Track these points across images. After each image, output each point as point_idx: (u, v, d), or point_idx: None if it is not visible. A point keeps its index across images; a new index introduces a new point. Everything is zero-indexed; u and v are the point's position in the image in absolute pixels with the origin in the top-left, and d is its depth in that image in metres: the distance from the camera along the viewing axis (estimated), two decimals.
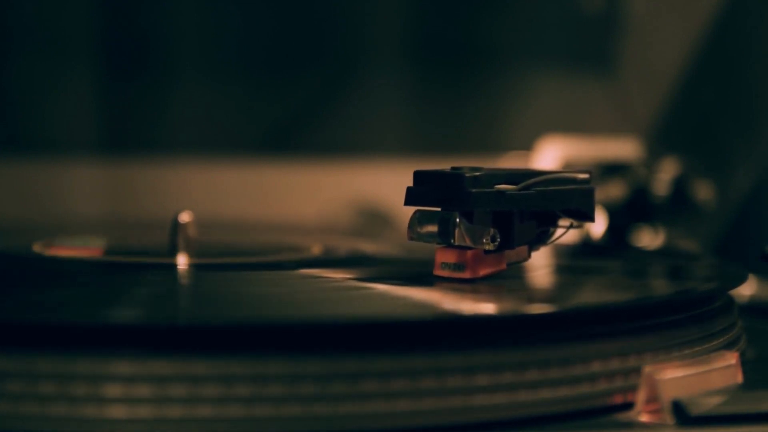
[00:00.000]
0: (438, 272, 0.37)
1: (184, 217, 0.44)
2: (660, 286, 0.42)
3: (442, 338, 0.30)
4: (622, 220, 0.58)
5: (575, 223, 0.39)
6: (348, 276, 0.39)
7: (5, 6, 0.73)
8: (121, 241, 0.53)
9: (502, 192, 0.36)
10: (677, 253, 0.54)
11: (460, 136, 0.78)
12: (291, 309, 0.33)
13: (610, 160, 0.60)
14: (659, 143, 0.63)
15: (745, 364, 0.35)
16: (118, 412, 0.28)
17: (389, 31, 0.77)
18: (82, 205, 0.74)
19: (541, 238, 0.39)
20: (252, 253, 0.48)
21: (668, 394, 0.31)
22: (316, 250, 0.48)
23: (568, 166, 0.60)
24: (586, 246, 0.55)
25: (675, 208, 0.58)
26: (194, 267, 0.42)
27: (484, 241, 0.36)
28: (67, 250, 0.47)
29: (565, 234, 0.39)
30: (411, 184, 0.37)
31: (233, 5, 0.76)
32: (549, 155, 0.63)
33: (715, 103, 0.63)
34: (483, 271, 0.37)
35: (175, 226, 0.44)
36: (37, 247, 0.47)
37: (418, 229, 0.37)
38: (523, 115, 0.78)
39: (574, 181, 0.38)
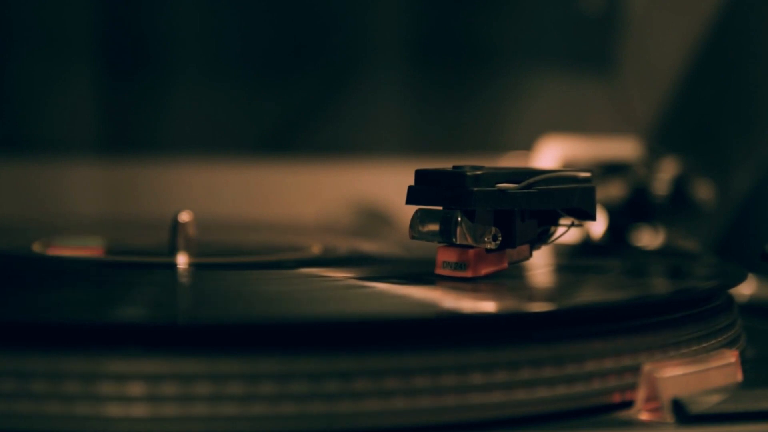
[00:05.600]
0: (439, 271, 0.37)
1: (184, 217, 0.44)
2: (660, 285, 0.42)
3: (441, 336, 0.30)
4: (622, 219, 0.58)
5: (576, 222, 0.39)
6: (349, 275, 0.39)
7: (5, 6, 0.73)
8: (121, 241, 0.53)
9: (503, 191, 0.36)
10: (677, 253, 0.54)
11: (460, 136, 0.78)
12: (290, 307, 0.33)
13: (610, 160, 0.60)
14: (659, 143, 0.63)
15: (745, 363, 0.35)
16: (114, 410, 0.28)
17: (389, 31, 0.78)
18: (82, 205, 0.74)
19: (542, 237, 0.39)
20: (252, 253, 0.48)
21: (668, 393, 0.31)
22: (316, 249, 0.48)
23: (568, 166, 0.60)
24: (587, 245, 0.55)
25: (675, 207, 0.58)
26: (194, 266, 0.42)
27: (486, 239, 0.36)
28: (66, 250, 0.47)
29: (566, 233, 0.39)
30: (411, 183, 0.37)
31: (233, 5, 0.77)
32: (549, 155, 0.63)
33: (714, 103, 0.63)
34: (484, 270, 0.37)
35: (175, 226, 0.44)
36: (36, 247, 0.47)
37: (420, 228, 0.37)
38: (523, 115, 0.78)
39: (576, 179, 0.38)
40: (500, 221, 0.37)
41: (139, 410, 0.28)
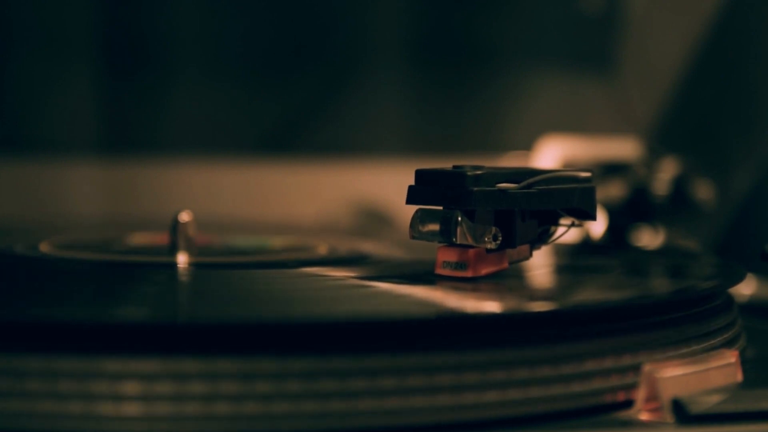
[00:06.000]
0: (439, 271, 0.37)
1: (184, 217, 0.44)
2: (660, 285, 0.42)
3: (441, 336, 0.30)
4: (622, 219, 0.58)
5: (576, 222, 0.39)
6: (349, 275, 0.39)
7: (5, 6, 0.73)
8: (121, 241, 0.53)
9: (503, 191, 0.36)
10: (677, 253, 0.54)
11: (461, 136, 0.78)
12: (290, 307, 0.33)
13: (610, 160, 0.60)
14: (659, 143, 0.63)
15: (744, 363, 0.35)
16: (108, 409, 0.28)
17: (389, 31, 0.78)
18: (82, 205, 0.74)
19: (542, 237, 0.39)
20: (252, 253, 0.48)
21: (668, 393, 0.31)
22: (316, 249, 0.48)
23: (568, 166, 0.60)
24: (587, 245, 0.55)
25: (675, 207, 0.58)
26: (194, 266, 0.42)
27: (486, 239, 0.36)
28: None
29: (566, 233, 0.39)
30: (412, 183, 0.37)
31: (233, 5, 0.77)
32: (549, 155, 0.63)
33: (714, 103, 0.63)
34: (485, 270, 0.37)
35: (175, 226, 0.44)
36: (44, 247, 0.47)
37: (420, 228, 0.37)
38: (523, 115, 0.78)
39: (576, 179, 0.38)
40: (500, 221, 0.37)
41: (137, 410, 0.28)
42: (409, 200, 0.37)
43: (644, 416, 0.31)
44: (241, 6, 0.76)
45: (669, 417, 0.31)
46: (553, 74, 0.78)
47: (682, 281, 0.44)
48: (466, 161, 0.39)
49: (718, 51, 0.62)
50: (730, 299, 0.40)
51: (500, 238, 0.37)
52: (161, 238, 0.47)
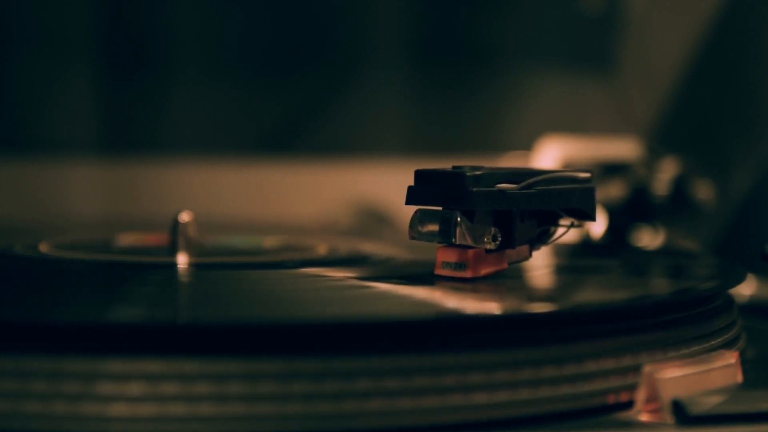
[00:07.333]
0: (439, 271, 0.37)
1: (184, 217, 0.44)
2: (660, 286, 0.42)
3: (441, 337, 0.30)
4: (622, 219, 0.58)
5: (576, 222, 0.39)
6: (349, 275, 0.39)
7: (5, 6, 0.73)
8: (121, 242, 0.53)
9: (503, 191, 0.36)
10: (677, 253, 0.54)
11: (461, 136, 0.78)
12: (291, 308, 0.33)
13: (610, 160, 0.60)
14: (659, 143, 0.63)
15: (745, 363, 0.35)
16: (113, 410, 0.28)
17: (389, 31, 0.78)
18: (82, 205, 0.74)
19: (541, 238, 0.39)
20: (252, 253, 0.48)
21: (668, 394, 0.31)
22: (316, 249, 0.48)
23: (568, 166, 0.60)
24: (587, 245, 0.55)
25: (675, 207, 0.58)
26: (194, 266, 0.42)
27: (486, 240, 0.36)
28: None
29: (566, 233, 0.39)
30: (412, 183, 0.37)
31: (233, 5, 0.77)
32: (549, 155, 0.63)
33: (714, 103, 0.63)
34: (484, 271, 0.37)
35: (175, 226, 0.44)
36: (42, 247, 0.47)
37: (420, 228, 0.37)
38: (523, 115, 0.78)
39: (575, 180, 0.38)
40: (500, 221, 0.37)
41: (138, 410, 0.28)
42: (409, 201, 0.37)
43: (644, 417, 0.31)
44: (241, 6, 0.76)
45: (669, 418, 0.31)
46: (553, 74, 0.78)
47: (682, 282, 0.44)
48: (466, 161, 0.39)
49: (718, 51, 0.62)
50: (730, 300, 0.40)
51: (499, 239, 0.37)
52: (161, 239, 0.47)
